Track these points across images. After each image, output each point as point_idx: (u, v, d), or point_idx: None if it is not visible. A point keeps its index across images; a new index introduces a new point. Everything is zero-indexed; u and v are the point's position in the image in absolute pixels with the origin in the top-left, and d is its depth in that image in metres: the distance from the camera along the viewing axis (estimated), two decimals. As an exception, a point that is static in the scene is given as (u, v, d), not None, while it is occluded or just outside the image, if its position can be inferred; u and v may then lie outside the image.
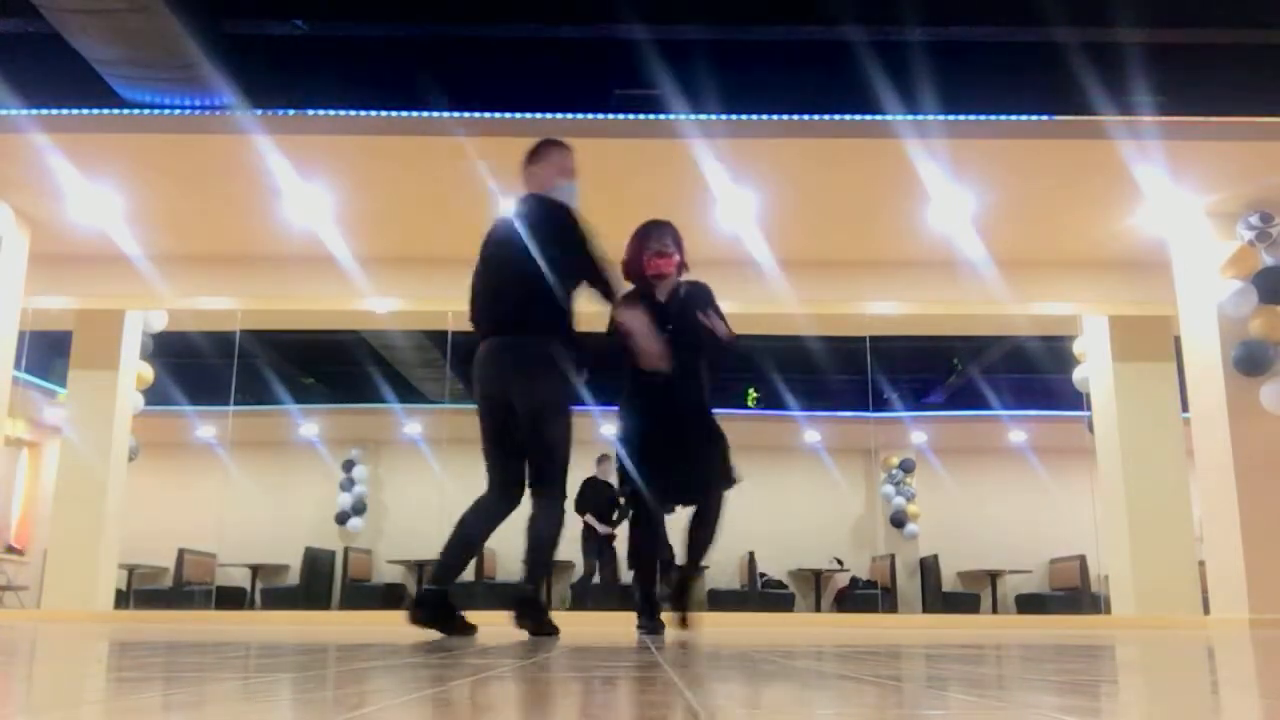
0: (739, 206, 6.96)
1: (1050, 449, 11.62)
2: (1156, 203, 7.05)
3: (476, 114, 6.30)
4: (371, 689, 1.24)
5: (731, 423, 4.19)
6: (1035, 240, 7.73)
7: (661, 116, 6.28)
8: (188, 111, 6.40)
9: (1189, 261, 7.28)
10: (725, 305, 4.17)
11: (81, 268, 8.10)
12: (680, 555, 4.01)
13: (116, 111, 6.40)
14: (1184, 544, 7.95)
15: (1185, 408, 7.76)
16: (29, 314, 7.78)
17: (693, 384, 3.97)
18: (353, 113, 6.49)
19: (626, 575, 8.67)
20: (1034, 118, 6.42)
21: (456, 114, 6.26)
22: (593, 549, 9.77)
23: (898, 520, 11.68)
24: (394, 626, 6.22)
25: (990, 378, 11.36)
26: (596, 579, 9.79)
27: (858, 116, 6.35)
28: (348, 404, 12.20)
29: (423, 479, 11.19)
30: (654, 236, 4.20)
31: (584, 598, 10.92)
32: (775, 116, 6.16)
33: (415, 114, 6.44)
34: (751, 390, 11.35)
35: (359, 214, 7.41)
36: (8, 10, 6.03)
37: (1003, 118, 6.43)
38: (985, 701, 1.08)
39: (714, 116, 6.15)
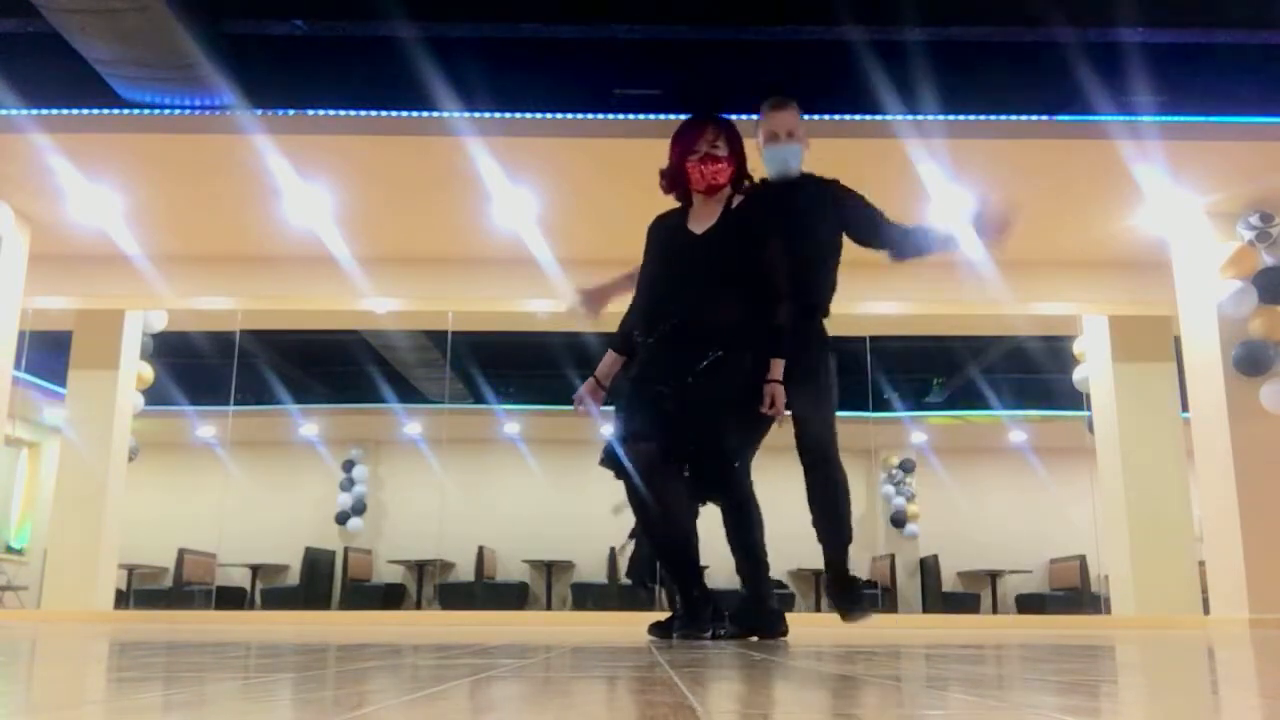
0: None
1: (1050, 449, 11.62)
2: (1156, 203, 7.05)
3: (476, 114, 6.30)
4: (371, 689, 1.24)
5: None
6: (1035, 240, 7.71)
7: (662, 116, 6.28)
8: (188, 111, 6.40)
9: (1189, 261, 7.28)
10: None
11: (81, 268, 8.10)
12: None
13: (116, 111, 6.39)
14: (1184, 544, 7.95)
15: (1185, 408, 7.76)
16: (29, 314, 7.78)
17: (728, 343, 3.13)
18: (353, 113, 6.49)
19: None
20: (1034, 118, 6.42)
21: (457, 114, 6.25)
22: None
23: (898, 520, 11.68)
24: (394, 626, 6.22)
25: (990, 378, 11.37)
26: None
27: (858, 116, 6.35)
28: (348, 404, 12.20)
29: (423, 479, 11.20)
30: (701, 136, 3.27)
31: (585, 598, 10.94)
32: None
33: (415, 114, 6.44)
34: None
35: (359, 214, 7.42)
36: (8, 10, 6.03)
37: (1003, 118, 6.42)
38: (985, 701, 1.08)
39: (733, 116, 6.13)
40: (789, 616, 3.48)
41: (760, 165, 3.50)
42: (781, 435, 3.30)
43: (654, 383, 3.15)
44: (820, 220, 3.43)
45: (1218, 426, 6.93)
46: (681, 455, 3.17)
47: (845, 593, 3.38)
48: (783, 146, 3.45)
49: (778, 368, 3.17)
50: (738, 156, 3.30)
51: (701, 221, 3.30)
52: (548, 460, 11.64)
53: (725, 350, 3.13)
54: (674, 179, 3.34)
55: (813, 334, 3.37)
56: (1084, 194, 6.99)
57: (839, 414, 3.39)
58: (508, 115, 6.39)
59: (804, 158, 3.51)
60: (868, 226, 3.44)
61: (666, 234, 3.38)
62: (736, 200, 3.31)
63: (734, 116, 3.42)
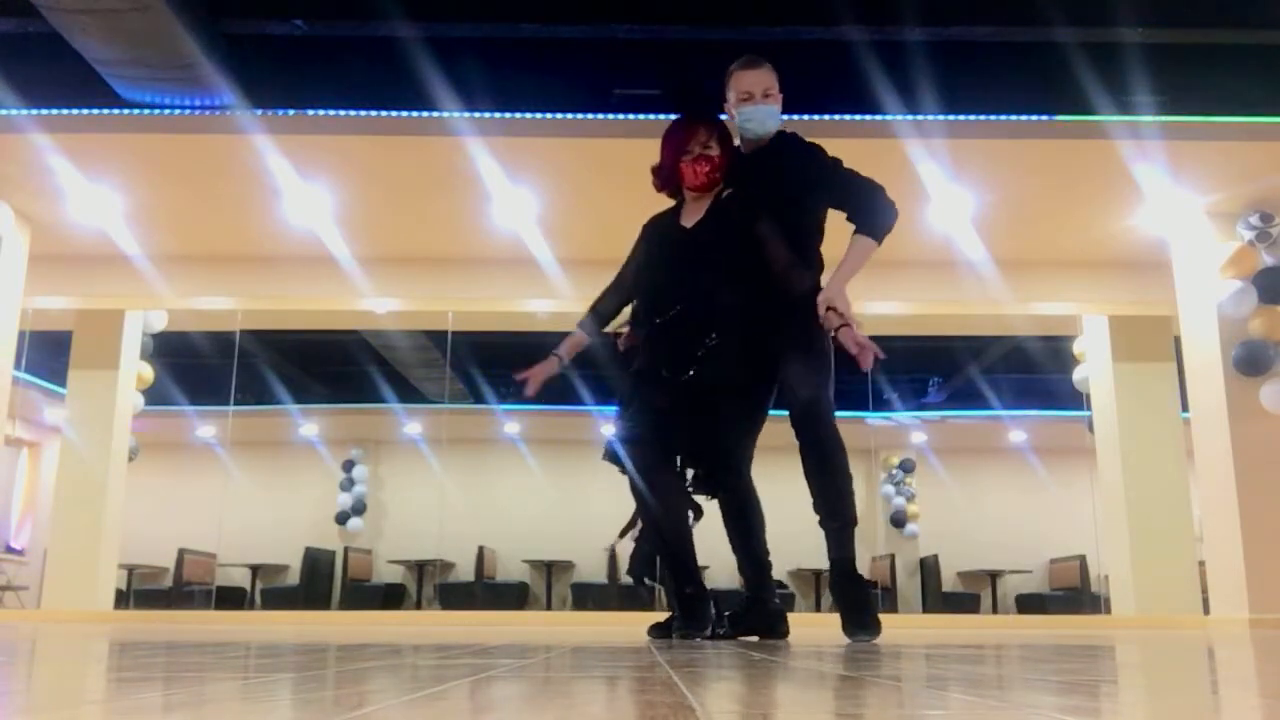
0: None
1: (1050, 449, 11.62)
2: (1156, 203, 7.05)
3: (476, 114, 6.30)
4: (371, 689, 1.24)
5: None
6: (1035, 240, 7.73)
7: (662, 116, 6.28)
8: (188, 111, 6.40)
9: (1189, 261, 7.28)
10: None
11: (81, 268, 8.10)
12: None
13: (116, 111, 6.40)
14: (1184, 544, 7.95)
15: (1185, 408, 7.76)
16: (29, 314, 7.78)
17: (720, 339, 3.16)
18: (353, 113, 6.49)
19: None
20: (1034, 118, 6.42)
21: (457, 114, 6.26)
22: None
23: (898, 520, 11.68)
24: (394, 626, 6.22)
25: (990, 378, 11.37)
26: None
27: (858, 116, 6.35)
28: (348, 404, 12.21)
29: (423, 479, 11.20)
30: (694, 136, 3.30)
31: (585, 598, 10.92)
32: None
33: (415, 114, 6.44)
34: None
35: (359, 214, 7.42)
36: (8, 10, 6.03)
37: (1003, 118, 6.42)
38: (985, 701, 1.08)
39: (721, 117, 6.14)
40: (789, 616, 3.46)
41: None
42: (783, 434, 3.29)
43: (655, 372, 3.21)
44: (806, 189, 3.31)
45: (1218, 426, 6.93)
46: (680, 448, 3.20)
47: (853, 600, 3.09)
48: (760, 106, 3.32)
49: (819, 306, 3.10)
50: (729, 155, 3.33)
51: (692, 217, 3.36)
52: (548, 460, 11.65)
53: (722, 336, 3.17)
54: (667, 178, 3.37)
55: (807, 308, 3.24)
56: (1084, 194, 6.99)
57: (856, 414, 3.35)
58: (508, 115, 6.39)
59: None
60: (851, 201, 3.27)
61: (660, 232, 3.44)
62: (725, 193, 3.34)
63: (725, 116, 3.44)
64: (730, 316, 3.20)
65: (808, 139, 3.43)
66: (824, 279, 3.32)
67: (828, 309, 3.09)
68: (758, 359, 3.20)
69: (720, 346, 3.16)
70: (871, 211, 3.24)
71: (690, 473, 3.31)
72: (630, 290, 3.48)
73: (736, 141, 3.44)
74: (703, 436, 3.23)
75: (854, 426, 10.93)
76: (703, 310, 3.20)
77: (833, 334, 3.10)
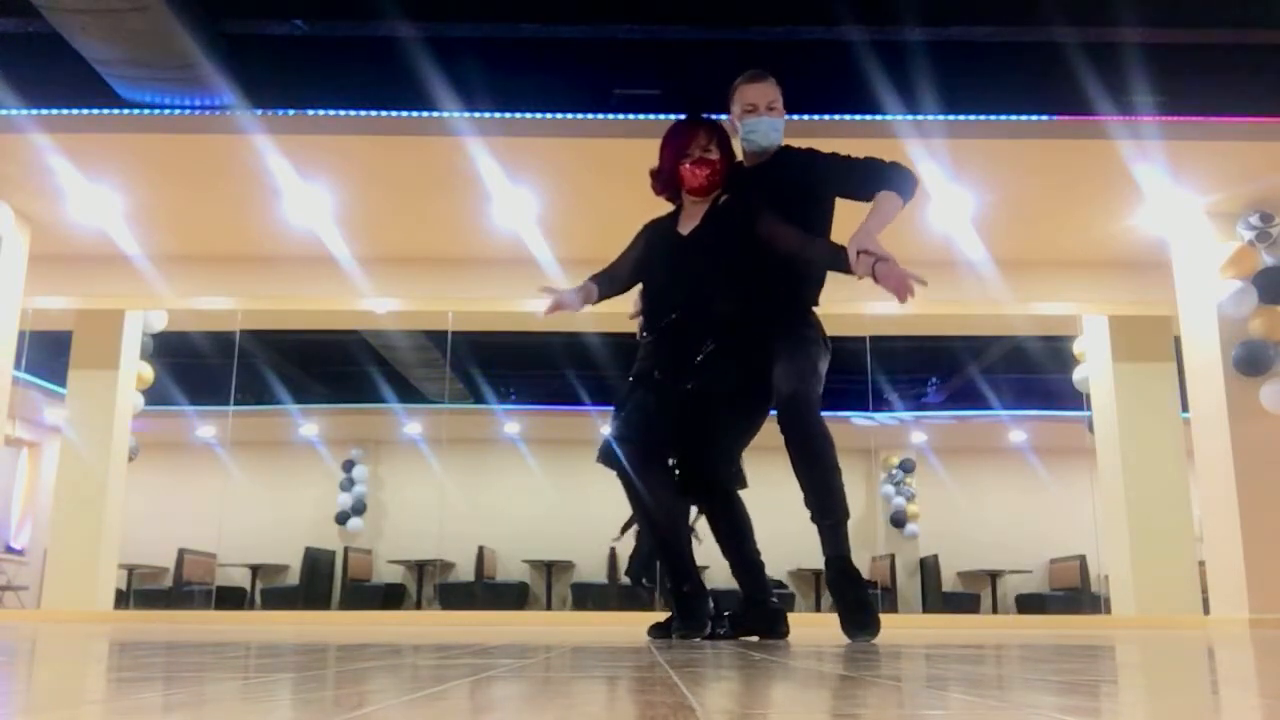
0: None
1: (1050, 449, 11.62)
2: (1156, 203, 7.05)
3: (476, 114, 6.30)
4: (371, 689, 1.24)
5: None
6: (1035, 240, 7.73)
7: (662, 116, 6.28)
8: (188, 111, 6.40)
9: (1189, 261, 7.28)
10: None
11: (81, 268, 8.10)
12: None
13: (116, 111, 6.40)
14: (1184, 544, 7.95)
15: (1185, 408, 7.76)
16: (29, 314, 7.78)
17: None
18: (353, 113, 6.49)
19: None
20: (1034, 118, 6.42)
21: (457, 114, 6.26)
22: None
23: (898, 520, 11.68)
24: (394, 626, 6.22)
25: (990, 378, 11.37)
26: None
27: (858, 116, 6.35)
28: (348, 404, 12.21)
29: (423, 479, 11.20)
30: (694, 139, 3.33)
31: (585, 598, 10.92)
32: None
33: (415, 114, 6.44)
34: None
35: (359, 214, 7.42)
36: (8, 10, 6.03)
37: (1003, 118, 6.42)
38: (985, 701, 1.08)
39: (714, 117, 6.14)
40: (789, 616, 3.46)
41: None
42: (780, 434, 3.29)
43: (651, 375, 3.23)
44: (810, 194, 3.29)
45: (1218, 426, 6.93)
46: (673, 449, 3.22)
47: (852, 600, 3.03)
48: (764, 118, 3.31)
49: (849, 254, 3.03)
50: (729, 158, 3.34)
51: (689, 223, 3.36)
52: (548, 460, 11.65)
53: (719, 342, 3.18)
54: (666, 181, 3.37)
55: (799, 315, 3.27)
56: (1084, 194, 6.99)
57: (840, 413, 3.36)
58: (508, 115, 6.39)
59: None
60: (860, 178, 3.23)
61: (657, 238, 3.43)
62: (722, 199, 3.35)
63: (724, 117, 3.44)
64: (728, 320, 3.21)
65: (807, 140, 3.44)
66: (826, 288, 3.35)
67: (859, 252, 3.01)
68: (756, 361, 3.20)
69: (717, 352, 3.17)
70: (885, 176, 3.19)
71: (684, 474, 3.31)
72: (622, 280, 3.47)
73: (739, 155, 3.44)
74: (695, 439, 3.23)
75: (854, 426, 10.94)
76: (700, 316, 3.22)
77: (871, 275, 3.03)
